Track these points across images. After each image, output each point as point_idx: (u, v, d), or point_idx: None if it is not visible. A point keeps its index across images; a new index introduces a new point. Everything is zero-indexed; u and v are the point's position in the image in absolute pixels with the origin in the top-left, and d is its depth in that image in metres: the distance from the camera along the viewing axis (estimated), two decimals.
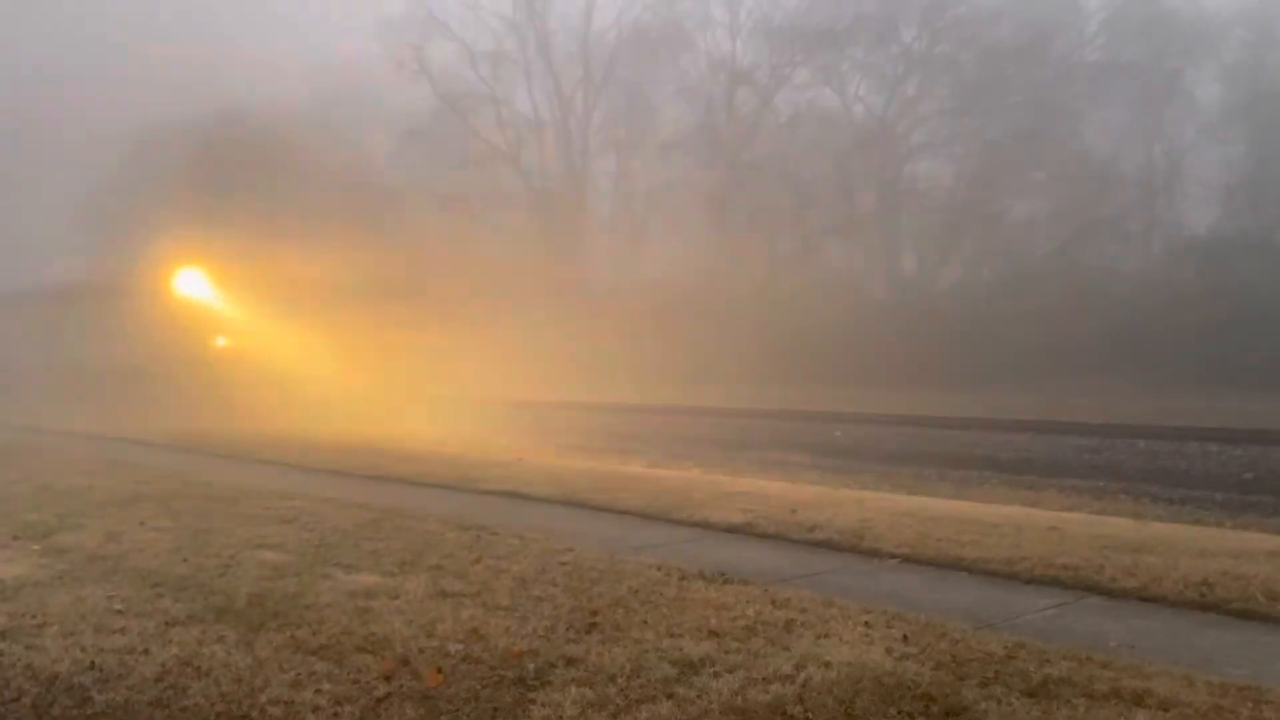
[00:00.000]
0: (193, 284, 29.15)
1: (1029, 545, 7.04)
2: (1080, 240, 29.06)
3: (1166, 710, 3.99)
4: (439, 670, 4.49)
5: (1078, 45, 31.88)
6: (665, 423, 21.17)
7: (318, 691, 4.31)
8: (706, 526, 8.25)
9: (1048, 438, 14.38)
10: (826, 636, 4.92)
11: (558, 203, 38.54)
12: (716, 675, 4.39)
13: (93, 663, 4.74)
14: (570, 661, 4.59)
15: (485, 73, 40.89)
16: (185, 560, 6.85)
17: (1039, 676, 4.32)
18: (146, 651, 4.87)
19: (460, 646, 4.82)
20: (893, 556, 7.04)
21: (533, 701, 4.16)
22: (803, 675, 4.34)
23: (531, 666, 4.53)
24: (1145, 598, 5.81)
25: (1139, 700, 4.07)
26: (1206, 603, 5.64)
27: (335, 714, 4.12)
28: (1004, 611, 5.62)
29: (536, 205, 38.13)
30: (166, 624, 5.33)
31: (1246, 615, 5.44)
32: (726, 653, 4.68)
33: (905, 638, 4.87)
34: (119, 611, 5.58)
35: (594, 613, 5.36)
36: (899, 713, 4.01)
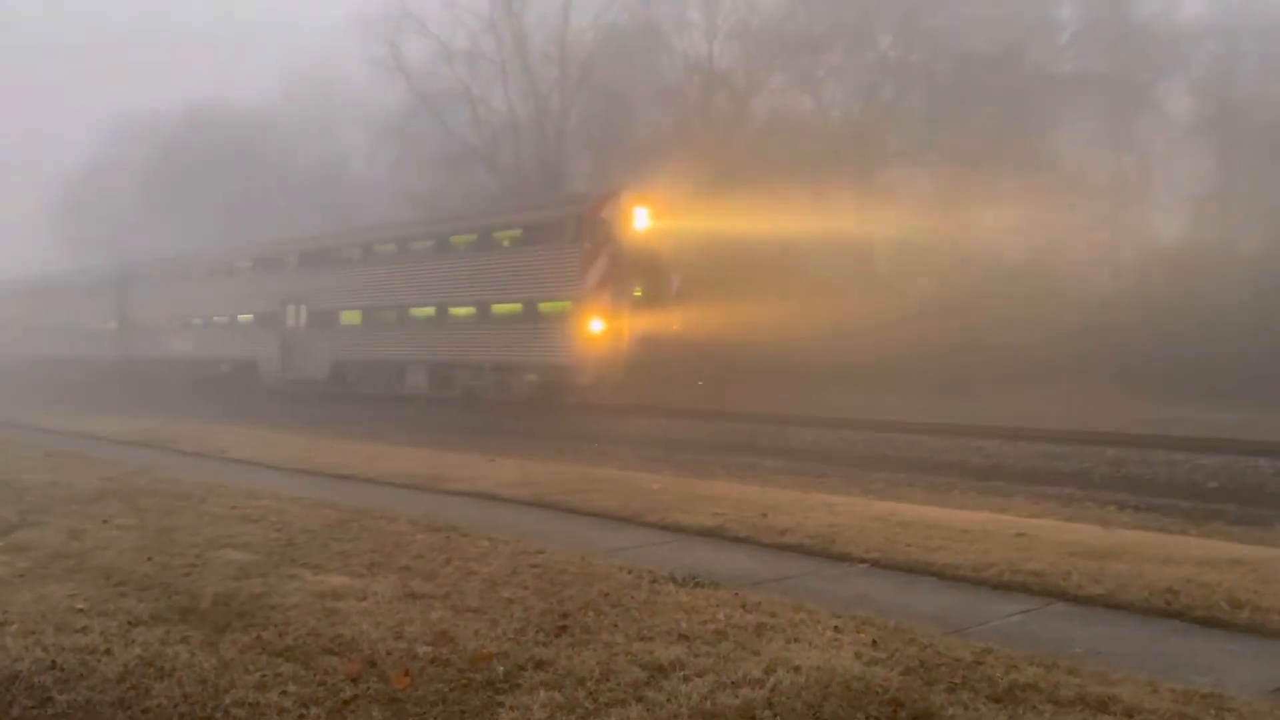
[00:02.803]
0: None
1: (997, 551, 7.09)
2: (1051, 248, 29.32)
3: (1131, 717, 4.03)
4: (407, 672, 4.46)
5: (1051, 56, 32.14)
6: None
7: (283, 693, 4.27)
8: (678, 530, 8.27)
9: (1017, 444, 14.47)
10: (796, 641, 4.93)
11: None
12: (686, 679, 4.38)
13: (54, 662, 4.67)
14: (539, 664, 4.57)
15: (461, 71, 40.76)
16: (150, 559, 6.77)
17: (1006, 682, 4.34)
18: (109, 651, 4.81)
19: (429, 649, 4.79)
20: (862, 561, 7.07)
21: (501, 704, 4.14)
22: (772, 680, 4.34)
23: (501, 669, 4.51)
24: (1111, 604, 5.87)
25: (1104, 706, 4.10)
26: (1171, 610, 5.70)
27: (301, 716, 4.08)
28: (972, 617, 5.65)
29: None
30: (130, 624, 5.26)
31: (1210, 623, 5.50)
32: (696, 656, 4.68)
33: (874, 642, 4.89)
34: (81, 610, 5.51)
35: (564, 615, 5.35)
36: (867, 717, 4.02)
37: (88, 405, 26.20)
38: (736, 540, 7.83)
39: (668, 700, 4.15)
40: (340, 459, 13.17)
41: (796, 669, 4.46)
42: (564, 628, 5.13)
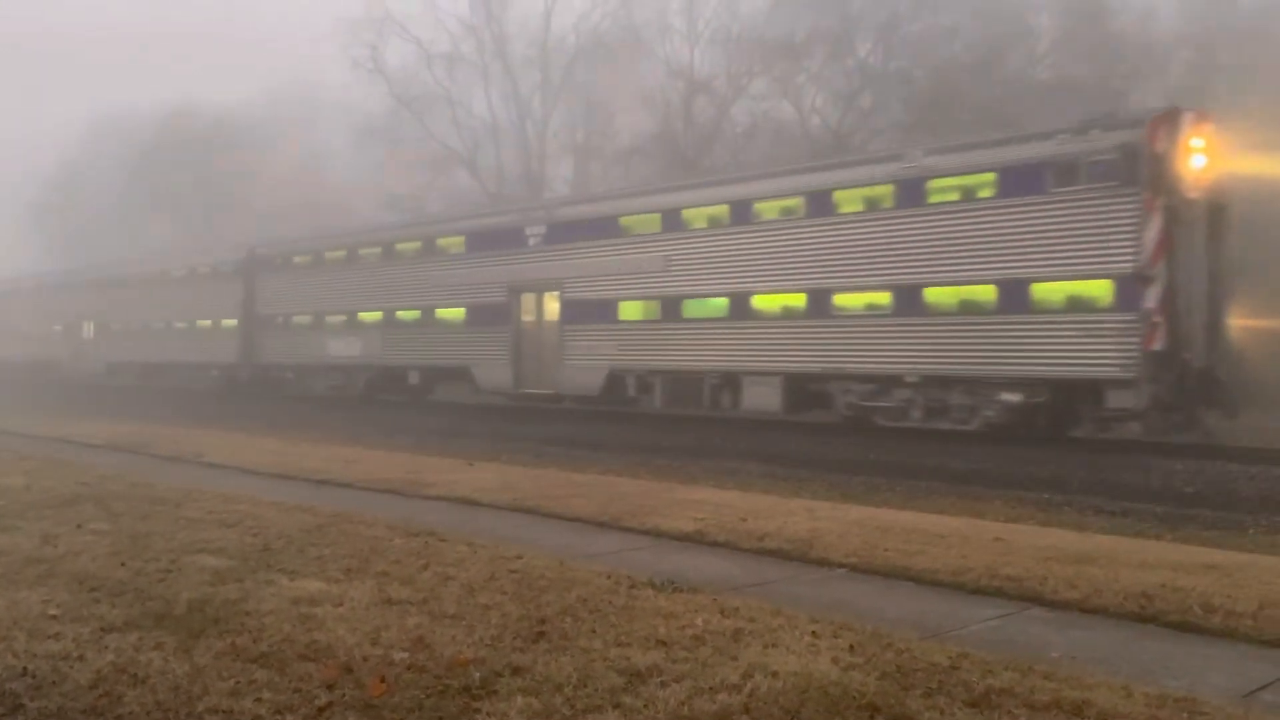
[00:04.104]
0: None
1: (975, 556, 7.13)
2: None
3: None
4: (383, 679, 4.43)
5: (1028, 64, 32.41)
6: None
7: (258, 700, 4.23)
8: (657, 534, 8.27)
9: (995, 449, 14.54)
10: (774, 646, 4.93)
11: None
12: (664, 685, 4.37)
13: (25, 669, 4.61)
14: (517, 670, 4.55)
15: (442, 74, 40.75)
16: (124, 564, 6.71)
17: (982, 687, 4.36)
18: (81, 658, 4.76)
19: (405, 655, 4.76)
20: (841, 566, 7.09)
21: (478, 711, 4.12)
22: (750, 685, 4.35)
23: (478, 675, 4.49)
24: (1087, 609, 5.91)
25: (1078, 711, 4.12)
26: (1146, 615, 5.74)
27: None
28: (949, 622, 5.67)
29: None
30: (103, 630, 5.20)
31: (1184, 627, 5.55)
32: (674, 662, 4.68)
33: (852, 647, 4.90)
34: (54, 616, 5.44)
35: (542, 621, 5.33)
36: None
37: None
38: (716, 545, 7.79)
39: (645, 706, 4.14)
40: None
41: (774, 674, 4.47)
42: (542, 633, 5.12)
